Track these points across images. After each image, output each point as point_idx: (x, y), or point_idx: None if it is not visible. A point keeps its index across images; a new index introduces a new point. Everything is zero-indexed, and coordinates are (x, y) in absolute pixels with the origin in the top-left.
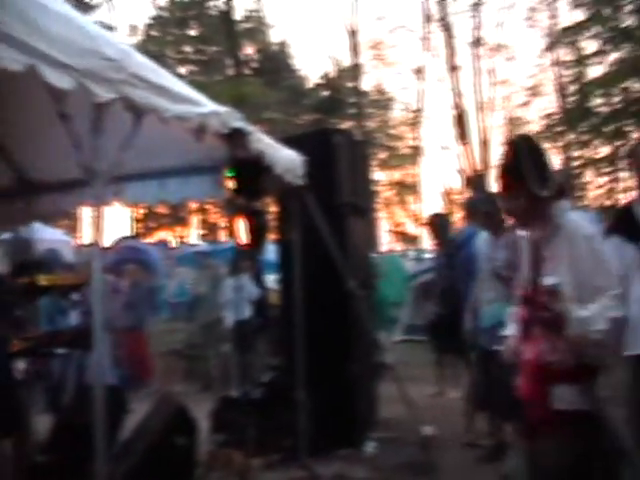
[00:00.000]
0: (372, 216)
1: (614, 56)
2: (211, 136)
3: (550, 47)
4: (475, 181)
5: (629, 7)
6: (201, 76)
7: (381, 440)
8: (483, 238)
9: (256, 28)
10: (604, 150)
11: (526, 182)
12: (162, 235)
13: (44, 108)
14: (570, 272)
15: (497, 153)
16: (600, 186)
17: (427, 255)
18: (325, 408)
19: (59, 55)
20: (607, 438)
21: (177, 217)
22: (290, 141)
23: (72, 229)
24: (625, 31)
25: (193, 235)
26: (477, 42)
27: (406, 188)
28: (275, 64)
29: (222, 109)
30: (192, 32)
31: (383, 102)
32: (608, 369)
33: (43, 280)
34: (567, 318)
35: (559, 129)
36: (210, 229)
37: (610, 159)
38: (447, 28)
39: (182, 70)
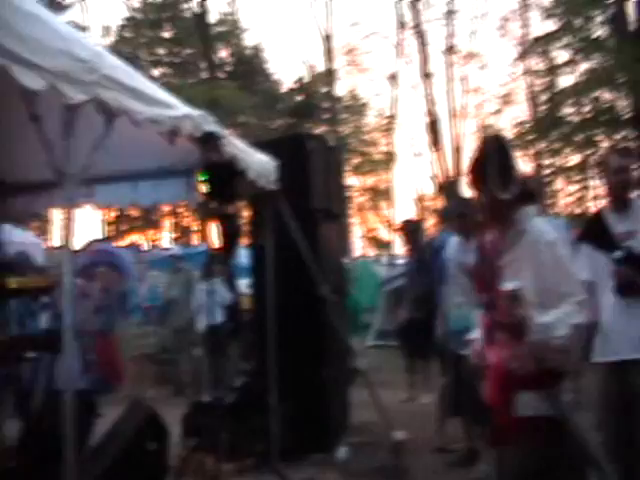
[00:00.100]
0: (345, 221)
1: (585, 66)
2: (184, 139)
3: (522, 56)
4: (447, 188)
5: (599, 18)
6: (175, 79)
7: (353, 445)
8: (454, 242)
9: (230, 31)
10: (574, 158)
11: (489, 181)
12: (134, 238)
13: (15, 109)
14: (533, 278)
15: (469, 160)
16: (570, 194)
17: (399, 261)
18: (297, 413)
19: (31, 56)
20: (572, 444)
21: (149, 220)
22: (263, 146)
23: (43, 231)
24: (596, 42)
25: (165, 238)
26: (450, 50)
27: (379, 194)
28: (249, 68)
29: (195, 112)
30: (166, 34)
31: (357, 108)
32: (574, 374)
33: (13, 283)
34: (527, 324)
35: (530, 137)
36: (183, 232)
37: (580, 167)
38: (421, 35)
39: (155, 72)
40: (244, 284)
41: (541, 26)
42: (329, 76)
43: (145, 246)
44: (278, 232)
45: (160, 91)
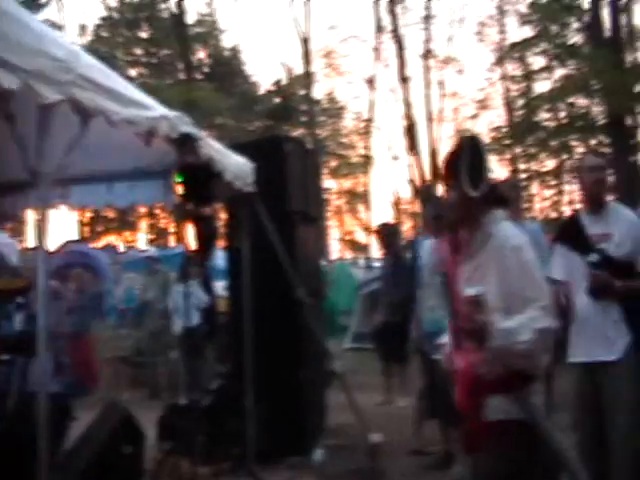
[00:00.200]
0: (322, 224)
1: (560, 72)
2: (160, 141)
3: (498, 62)
4: (424, 192)
5: (575, 25)
6: (152, 79)
7: (329, 448)
8: (428, 245)
9: (208, 32)
10: (550, 163)
11: (459, 178)
12: (110, 239)
13: None
14: (498, 283)
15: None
16: (546, 198)
17: (377, 264)
18: (274, 416)
19: (6, 54)
20: (543, 447)
21: (125, 221)
22: (241, 148)
23: (17, 232)
24: (571, 48)
25: (141, 240)
26: (428, 54)
27: (356, 197)
28: (227, 69)
29: (172, 114)
30: (143, 34)
31: (334, 111)
32: (546, 376)
33: None
34: (489, 329)
35: (507, 142)
36: (159, 234)
37: (556, 172)
38: (398, 39)
39: (132, 72)
40: (220, 286)
41: (518, 32)
42: (307, 79)
43: (121, 248)
44: (255, 234)
45: (137, 92)
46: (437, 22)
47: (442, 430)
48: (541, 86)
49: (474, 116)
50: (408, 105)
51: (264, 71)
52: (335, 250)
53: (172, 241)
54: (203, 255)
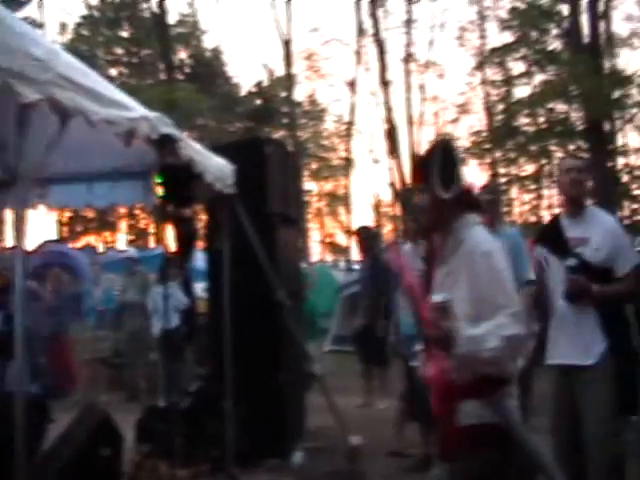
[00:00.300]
0: (303, 226)
1: (540, 78)
2: (140, 141)
3: (479, 66)
4: (404, 195)
5: (555, 31)
6: (132, 79)
7: (309, 450)
8: (406, 248)
9: (190, 33)
10: (529, 168)
11: (430, 180)
12: (89, 240)
13: None
14: (469, 289)
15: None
16: (525, 202)
17: (357, 266)
18: (253, 418)
19: None
20: (518, 450)
21: (105, 222)
22: (221, 149)
23: None
24: (551, 54)
25: (121, 240)
26: (409, 58)
27: (337, 199)
28: (208, 70)
29: (152, 114)
30: (124, 33)
31: (315, 113)
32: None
33: None
34: (455, 336)
35: (487, 146)
36: (139, 235)
37: (535, 177)
38: (380, 43)
39: (113, 72)
40: (200, 288)
41: (498, 37)
42: (288, 81)
43: (100, 248)
44: (235, 236)
45: (117, 92)
46: (418, 26)
47: (422, 433)
48: (521, 91)
49: (454, 120)
50: (389, 108)
51: (245, 72)
52: (315, 252)
53: (152, 242)
54: (183, 256)
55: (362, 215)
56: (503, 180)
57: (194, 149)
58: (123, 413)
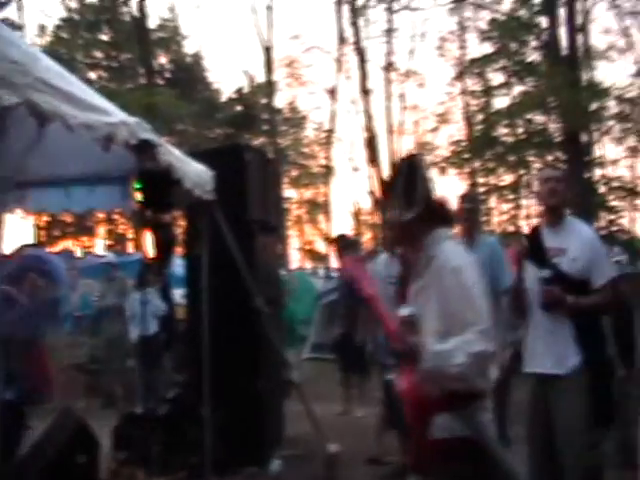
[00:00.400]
0: (282, 233)
1: (519, 89)
2: (119, 146)
3: (459, 76)
4: (384, 204)
5: (533, 43)
6: (112, 83)
7: (287, 458)
8: (382, 258)
9: (170, 38)
10: (508, 178)
11: (393, 201)
12: (67, 244)
13: None
14: (439, 304)
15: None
16: (503, 212)
17: (336, 274)
18: (231, 425)
19: None
20: (490, 463)
21: (83, 226)
22: (201, 155)
23: None
24: (529, 66)
25: (99, 245)
26: (389, 67)
27: (317, 207)
28: (189, 75)
29: (131, 119)
30: (104, 37)
31: (296, 120)
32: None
33: None
34: (421, 350)
35: (466, 156)
36: (117, 240)
37: (513, 187)
38: (360, 52)
39: (92, 75)
40: (179, 294)
41: (478, 48)
42: (269, 87)
43: (78, 253)
44: (214, 242)
45: (96, 96)
46: (399, 36)
47: (400, 441)
48: (500, 102)
49: (434, 129)
50: (369, 117)
51: (226, 79)
52: (295, 260)
53: (131, 247)
54: (161, 263)
55: (342, 223)
56: (482, 190)
57: (173, 155)
58: (99, 420)
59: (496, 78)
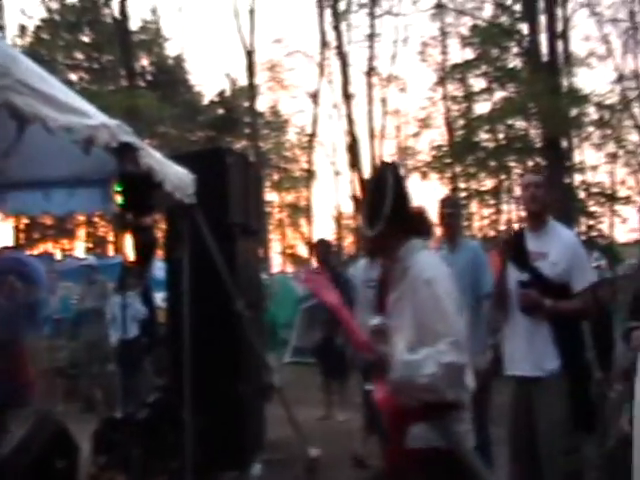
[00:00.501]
0: (263, 237)
1: (500, 94)
2: (100, 149)
3: (440, 82)
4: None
5: (515, 49)
6: (93, 84)
7: (268, 462)
8: (362, 263)
9: (152, 40)
10: (489, 183)
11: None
12: (46, 247)
13: None
14: (412, 315)
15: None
16: (484, 217)
17: None
18: (212, 429)
19: None
20: (467, 475)
21: (63, 229)
22: (182, 158)
23: None
24: (510, 72)
25: (79, 248)
26: (371, 72)
27: (298, 210)
28: (170, 78)
29: (112, 122)
30: (85, 38)
31: (278, 124)
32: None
33: None
34: (390, 360)
35: (447, 161)
36: (97, 242)
37: (494, 192)
38: (342, 56)
39: (73, 77)
40: (159, 298)
41: (459, 54)
42: (251, 91)
43: (58, 256)
44: (194, 246)
45: (76, 98)
46: (381, 40)
47: (380, 447)
48: (481, 107)
49: (416, 134)
50: (351, 121)
51: (208, 82)
52: (276, 263)
53: (111, 250)
54: (142, 266)
55: (323, 227)
56: (463, 194)
57: (154, 158)
58: (79, 424)
59: (477, 84)
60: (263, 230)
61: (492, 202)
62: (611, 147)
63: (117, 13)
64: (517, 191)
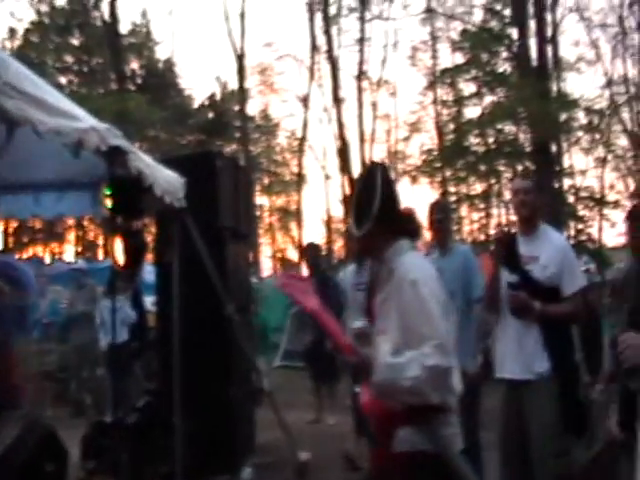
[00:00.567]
0: (254, 241)
1: (490, 99)
2: (89, 152)
3: (430, 86)
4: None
5: (504, 54)
6: (82, 88)
7: (258, 465)
8: (350, 268)
9: (142, 43)
10: (479, 187)
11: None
12: (36, 250)
13: None
14: (398, 317)
15: None
16: (474, 221)
17: None
18: (202, 433)
19: None
20: (452, 478)
21: (52, 232)
22: (172, 162)
23: None
24: (500, 76)
25: (69, 252)
26: (361, 76)
27: (289, 214)
28: (160, 81)
29: (101, 125)
30: (74, 41)
31: (268, 128)
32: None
33: None
34: (372, 363)
35: (437, 165)
36: (87, 246)
37: (484, 196)
38: (333, 60)
39: (62, 80)
40: (150, 301)
41: (449, 58)
42: (241, 94)
43: (47, 259)
44: (184, 250)
45: (66, 101)
46: (371, 45)
47: (369, 449)
48: (471, 111)
49: (406, 138)
50: (341, 125)
51: (198, 85)
52: (267, 267)
53: (101, 254)
54: (132, 270)
55: (313, 231)
56: (453, 198)
57: (144, 161)
58: (68, 428)
59: (467, 88)
60: (253, 234)
61: (482, 206)
62: (600, 151)
63: (107, 16)
64: (507, 195)
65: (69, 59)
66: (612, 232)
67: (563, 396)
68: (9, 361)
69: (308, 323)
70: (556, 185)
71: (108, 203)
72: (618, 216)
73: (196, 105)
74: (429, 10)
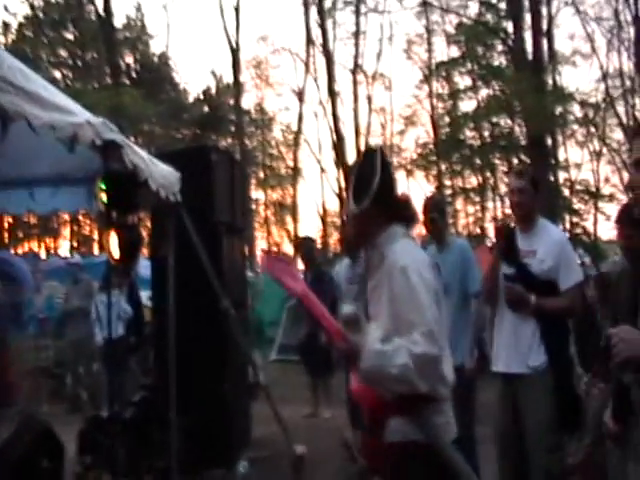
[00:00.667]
0: (249, 235)
1: (485, 92)
2: (84, 147)
3: (426, 79)
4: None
5: (500, 47)
6: (77, 82)
7: (254, 460)
8: (344, 261)
9: (136, 37)
10: (474, 180)
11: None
12: (31, 246)
13: None
14: (388, 304)
15: None
16: (469, 214)
17: (301, 276)
18: (198, 427)
19: None
20: (445, 467)
21: (48, 228)
22: (167, 156)
23: None
24: (495, 70)
25: (64, 247)
26: (356, 69)
27: (284, 208)
28: (155, 76)
29: (96, 120)
30: (69, 35)
31: (263, 121)
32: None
33: None
34: (359, 350)
35: (432, 158)
36: (83, 241)
37: (479, 189)
38: (328, 54)
39: (57, 74)
40: (145, 296)
41: (445, 52)
42: (236, 88)
43: (43, 255)
44: (180, 244)
45: (60, 96)
46: (366, 38)
47: (361, 440)
48: (466, 105)
49: (401, 132)
50: (336, 119)
51: (193, 79)
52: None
53: (96, 249)
54: (127, 264)
55: (309, 224)
56: (448, 192)
57: (139, 156)
58: (64, 424)
59: (462, 81)
60: (249, 228)
61: (477, 199)
62: (595, 145)
63: (101, 10)
64: (502, 188)
65: (63, 53)
66: (607, 225)
67: (558, 390)
68: (5, 359)
69: (303, 317)
70: (551, 178)
71: (103, 197)
72: (613, 209)
73: (191, 99)
74: (424, 3)
